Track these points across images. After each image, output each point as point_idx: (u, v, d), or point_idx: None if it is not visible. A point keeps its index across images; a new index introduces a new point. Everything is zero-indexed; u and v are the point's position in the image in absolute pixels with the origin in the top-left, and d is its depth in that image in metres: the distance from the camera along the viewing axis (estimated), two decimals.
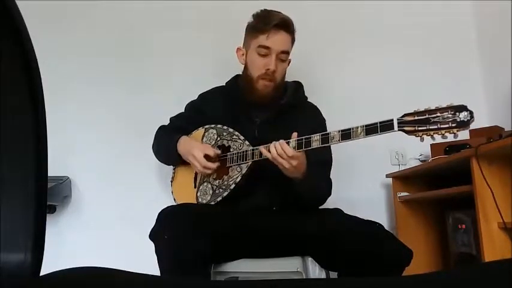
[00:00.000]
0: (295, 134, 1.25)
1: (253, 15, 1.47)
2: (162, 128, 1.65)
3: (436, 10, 2.20)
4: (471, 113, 1.00)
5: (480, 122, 1.89)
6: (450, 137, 1.03)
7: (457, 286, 0.45)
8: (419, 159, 2.07)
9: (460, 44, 2.21)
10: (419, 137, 1.05)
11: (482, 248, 1.41)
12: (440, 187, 1.73)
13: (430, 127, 1.03)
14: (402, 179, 1.99)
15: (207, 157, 1.38)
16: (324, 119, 1.56)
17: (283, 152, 1.22)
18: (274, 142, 1.25)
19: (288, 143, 1.24)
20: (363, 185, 2.05)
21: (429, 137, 1.05)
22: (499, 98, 2.04)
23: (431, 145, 1.81)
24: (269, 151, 1.25)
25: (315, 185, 1.37)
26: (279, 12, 1.44)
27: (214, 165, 1.38)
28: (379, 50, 2.18)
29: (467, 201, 1.52)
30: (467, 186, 1.48)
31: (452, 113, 1.01)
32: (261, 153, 1.32)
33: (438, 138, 1.05)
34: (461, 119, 1.00)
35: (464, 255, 1.68)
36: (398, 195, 1.96)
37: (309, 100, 1.60)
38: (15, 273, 0.43)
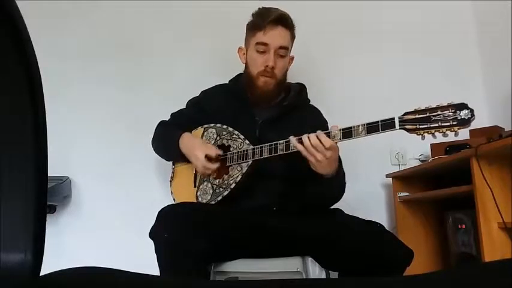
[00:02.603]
0: (335, 126, 1.19)
1: (252, 14, 1.48)
2: (162, 124, 1.64)
3: (436, 10, 2.20)
4: (472, 111, 1.00)
5: (480, 122, 1.89)
6: (451, 136, 1.03)
7: (457, 286, 0.45)
8: (419, 159, 2.07)
9: (460, 43, 2.21)
10: (420, 135, 1.06)
11: (482, 248, 1.42)
12: (440, 187, 1.73)
13: (431, 125, 1.04)
14: (402, 179, 1.99)
15: (208, 157, 1.38)
16: (326, 121, 1.56)
17: (318, 143, 1.16)
18: (306, 134, 1.19)
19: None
20: (362, 185, 2.05)
21: (430, 135, 1.05)
22: (499, 98, 2.04)
23: (432, 145, 1.81)
24: (301, 143, 1.18)
25: (343, 182, 1.35)
26: (277, 9, 1.43)
27: (214, 166, 1.38)
28: (378, 50, 2.18)
29: (467, 201, 1.52)
30: (467, 186, 1.48)
31: (453, 111, 1.01)
32: (261, 152, 1.31)
33: (439, 137, 1.05)
34: (462, 117, 1.00)
35: (464, 255, 1.68)
36: (398, 195, 1.96)
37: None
38: (15, 273, 0.43)
